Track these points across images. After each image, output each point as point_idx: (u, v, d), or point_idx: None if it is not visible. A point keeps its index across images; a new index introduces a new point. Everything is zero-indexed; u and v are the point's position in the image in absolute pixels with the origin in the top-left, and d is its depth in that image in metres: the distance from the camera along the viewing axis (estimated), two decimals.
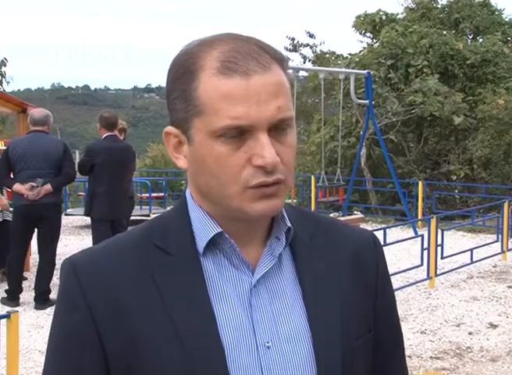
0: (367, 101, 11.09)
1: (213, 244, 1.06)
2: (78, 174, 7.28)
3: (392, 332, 1.23)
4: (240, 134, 0.99)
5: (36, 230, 6.82)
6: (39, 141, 6.61)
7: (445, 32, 16.13)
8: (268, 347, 1.04)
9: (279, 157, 0.99)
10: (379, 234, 7.44)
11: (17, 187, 6.51)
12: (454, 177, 14.62)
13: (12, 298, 6.82)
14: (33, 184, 6.45)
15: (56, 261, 6.90)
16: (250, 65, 0.98)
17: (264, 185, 1.00)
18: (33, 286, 7.00)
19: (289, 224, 1.09)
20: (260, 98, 0.98)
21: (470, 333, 6.12)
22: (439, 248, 8.00)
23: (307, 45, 17.48)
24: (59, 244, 7.22)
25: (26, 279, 7.55)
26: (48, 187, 6.52)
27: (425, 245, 7.76)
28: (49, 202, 6.56)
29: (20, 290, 6.93)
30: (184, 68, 1.02)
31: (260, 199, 1.00)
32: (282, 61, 1.03)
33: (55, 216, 6.82)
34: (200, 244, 1.06)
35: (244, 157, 0.99)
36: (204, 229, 1.06)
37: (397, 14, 17.28)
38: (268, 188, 1.00)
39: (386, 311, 1.20)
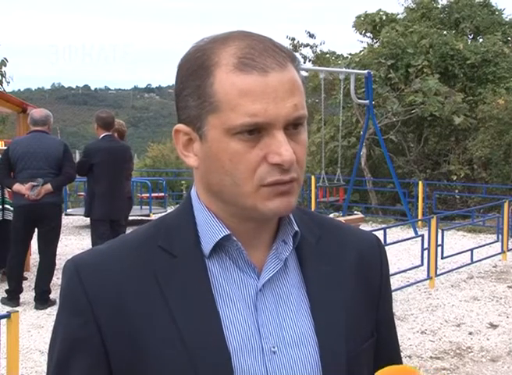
0: (367, 101, 11.09)
1: (219, 246, 1.04)
2: (77, 174, 7.28)
3: (392, 336, 1.23)
4: (256, 132, 0.97)
5: (36, 229, 6.83)
6: (39, 141, 6.61)
7: (445, 32, 16.13)
8: (274, 352, 1.03)
9: (294, 155, 0.99)
10: (379, 234, 7.41)
11: (17, 186, 6.51)
12: (454, 177, 14.62)
13: (12, 297, 6.82)
14: (34, 184, 6.45)
15: (56, 261, 6.90)
16: (267, 62, 0.98)
17: (279, 183, 0.99)
18: (33, 286, 7.00)
19: (296, 228, 1.07)
20: (277, 95, 0.97)
21: (470, 334, 6.12)
22: (439, 248, 8.00)
23: (307, 45, 17.49)
24: (59, 244, 7.22)
25: (26, 279, 7.55)
26: (48, 186, 6.52)
27: (425, 245, 7.76)
28: (49, 202, 6.56)
29: (20, 290, 6.93)
30: (197, 64, 1.00)
31: (274, 197, 0.99)
32: (294, 59, 1.03)
33: (56, 216, 6.82)
34: (206, 246, 1.04)
35: (260, 154, 0.98)
36: (210, 231, 1.04)
37: (397, 14, 17.29)
38: (282, 186, 0.99)
39: (388, 313, 1.21)
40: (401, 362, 1.26)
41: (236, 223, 1.04)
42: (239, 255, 1.05)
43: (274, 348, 1.03)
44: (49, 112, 6.98)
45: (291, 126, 0.99)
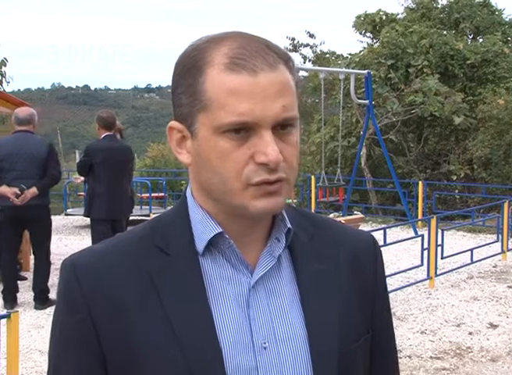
0: (367, 101, 11.09)
1: (212, 244, 1.06)
2: (78, 174, 7.24)
3: (387, 334, 1.23)
4: (244, 131, 0.99)
5: (29, 233, 6.81)
6: (24, 142, 6.52)
7: (445, 32, 16.12)
8: (265, 347, 1.04)
9: (282, 155, 0.99)
10: (379, 234, 7.43)
11: (3, 189, 6.42)
12: (454, 177, 14.61)
13: (8, 298, 6.79)
14: (18, 192, 6.39)
15: (56, 261, 6.90)
16: (257, 62, 0.99)
17: (265, 183, 1.00)
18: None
19: (289, 225, 1.08)
20: (266, 95, 0.98)
21: (470, 334, 6.12)
22: (439, 248, 8.00)
23: (307, 45, 17.47)
24: (59, 244, 7.24)
25: (26, 279, 7.55)
26: (34, 190, 6.45)
27: (425, 245, 7.76)
28: (35, 204, 6.47)
29: (16, 289, 6.91)
30: (191, 63, 1.02)
31: (262, 197, 1.00)
32: (288, 61, 1.03)
33: (43, 217, 6.75)
34: (200, 245, 1.06)
35: (247, 153, 0.99)
36: (203, 229, 1.06)
37: (397, 14, 17.27)
38: (270, 186, 1.00)
39: (382, 313, 1.21)
40: (397, 361, 1.27)
41: (228, 221, 1.06)
42: (231, 252, 1.06)
43: (265, 343, 1.04)
44: (34, 111, 6.86)
45: (279, 127, 1.00)
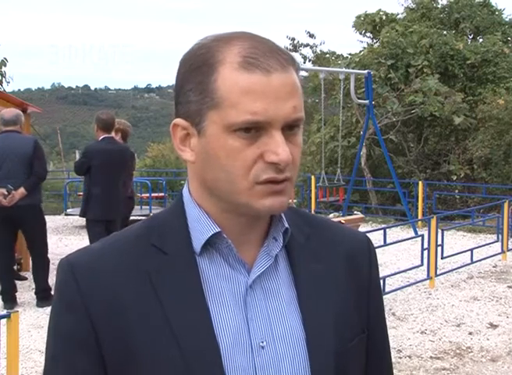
0: (367, 101, 11.09)
1: (209, 243, 1.06)
2: (75, 174, 7.23)
3: (382, 334, 1.24)
4: (254, 130, 0.99)
5: (22, 233, 6.79)
6: (10, 142, 6.56)
7: (445, 32, 16.12)
8: (263, 347, 1.05)
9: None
10: (379, 234, 7.44)
11: None
12: (454, 177, 14.61)
13: (8, 298, 6.79)
14: (5, 193, 6.40)
15: (56, 261, 6.87)
16: (270, 62, 0.99)
17: (272, 181, 1.00)
18: (33, 286, 7.00)
19: (286, 225, 1.09)
20: (278, 95, 0.99)
21: (470, 333, 6.12)
22: (439, 248, 8.00)
23: (307, 45, 17.47)
24: (59, 244, 7.24)
25: (26, 279, 7.56)
26: (22, 190, 6.46)
27: (425, 245, 7.76)
28: (25, 204, 6.48)
29: (15, 289, 6.91)
30: (201, 61, 1.02)
31: (268, 195, 1.01)
32: (295, 63, 1.05)
33: (36, 217, 6.74)
34: (197, 244, 1.06)
35: (257, 152, 1.00)
36: (201, 228, 1.06)
37: (397, 14, 17.27)
38: (277, 185, 1.01)
39: (377, 313, 1.21)
40: (391, 361, 1.27)
41: (228, 219, 1.06)
42: (229, 252, 1.06)
43: (263, 343, 1.05)
44: (19, 112, 6.94)
45: (286, 128, 1.01)
